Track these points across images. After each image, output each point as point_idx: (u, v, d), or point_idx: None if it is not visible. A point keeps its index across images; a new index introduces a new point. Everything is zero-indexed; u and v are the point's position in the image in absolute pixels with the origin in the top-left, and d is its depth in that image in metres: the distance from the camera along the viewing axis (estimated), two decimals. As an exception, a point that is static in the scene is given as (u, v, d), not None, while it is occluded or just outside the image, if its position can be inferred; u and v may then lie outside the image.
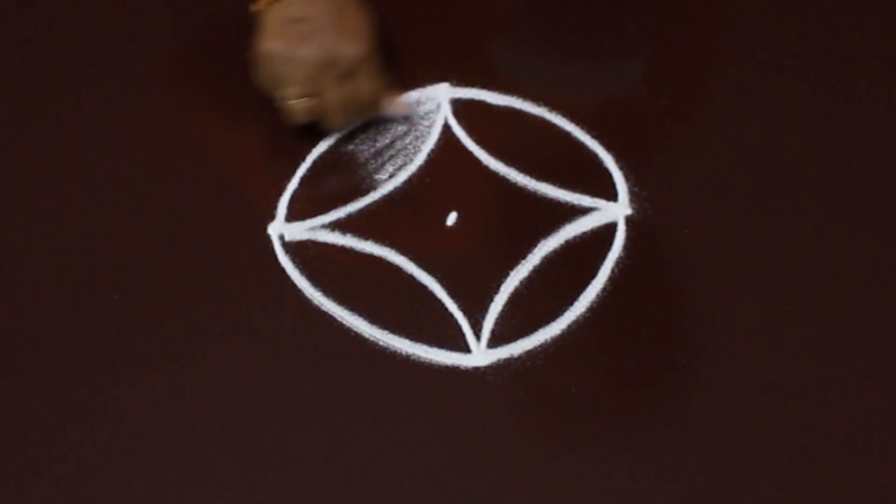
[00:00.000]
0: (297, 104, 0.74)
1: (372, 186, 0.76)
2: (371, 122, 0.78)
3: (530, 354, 0.71)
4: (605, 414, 0.69)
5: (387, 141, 0.78)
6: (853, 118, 0.78)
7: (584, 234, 0.75)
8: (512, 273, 0.73)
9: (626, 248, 0.74)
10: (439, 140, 0.78)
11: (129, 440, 0.69)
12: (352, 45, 0.73)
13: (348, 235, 0.75)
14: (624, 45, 0.82)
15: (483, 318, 0.72)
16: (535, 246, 0.74)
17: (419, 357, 0.71)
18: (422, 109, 0.79)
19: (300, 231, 0.75)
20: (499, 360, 0.71)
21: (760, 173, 0.77)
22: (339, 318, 0.72)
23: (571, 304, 0.72)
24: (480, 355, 0.71)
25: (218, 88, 0.80)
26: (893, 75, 0.80)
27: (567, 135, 0.77)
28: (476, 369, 0.71)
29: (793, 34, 0.81)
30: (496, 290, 0.73)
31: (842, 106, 0.79)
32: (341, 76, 0.73)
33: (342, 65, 0.73)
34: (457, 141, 0.78)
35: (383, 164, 0.77)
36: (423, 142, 0.78)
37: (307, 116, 0.74)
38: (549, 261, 0.74)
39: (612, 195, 0.76)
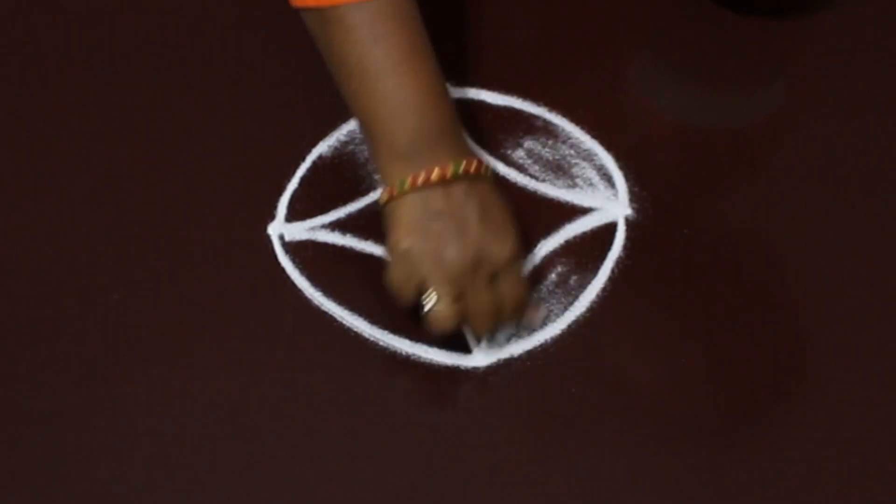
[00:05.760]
0: (443, 310, 0.66)
1: (372, 186, 0.76)
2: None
3: (530, 354, 0.71)
4: (605, 414, 0.69)
5: (387, 141, 0.78)
6: (857, 123, 0.78)
7: (584, 234, 0.75)
8: (512, 273, 0.73)
9: (626, 248, 0.74)
10: (439, 140, 0.78)
11: (129, 440, 0.69)
12: (501, 243, 0.67)
13: (348, 235, 0.75)
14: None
15: (483, 318, 0.72)
16: (535, 246, 0.74)
17: (419, 357, 0.71)
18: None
19: (300, 231, 0.75)
20: (499, 361, 0.71)
21: (760, 173, 0.77)
22: (339, 318, 0.72)
23: (571, 304, 0.72)
24: (480, 355, 0.71)
25: (218, 87, 0.80)
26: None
27: (567, 135, 0.78)
28: (476, 369, 0.71)
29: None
30: (496, 290, 0.73)
31: (843, 107, 0.79)
32: (489, 277, 0.66)
33: (491, 265, 0.66)
34: (457, 141, 0.78)
35: (383, 164, 0.77)
36: (423, 142, 0.78)
37: (454, 323, 0.67)
38: (549, 261, 0.74)
39: (611, 195, 0.76)
